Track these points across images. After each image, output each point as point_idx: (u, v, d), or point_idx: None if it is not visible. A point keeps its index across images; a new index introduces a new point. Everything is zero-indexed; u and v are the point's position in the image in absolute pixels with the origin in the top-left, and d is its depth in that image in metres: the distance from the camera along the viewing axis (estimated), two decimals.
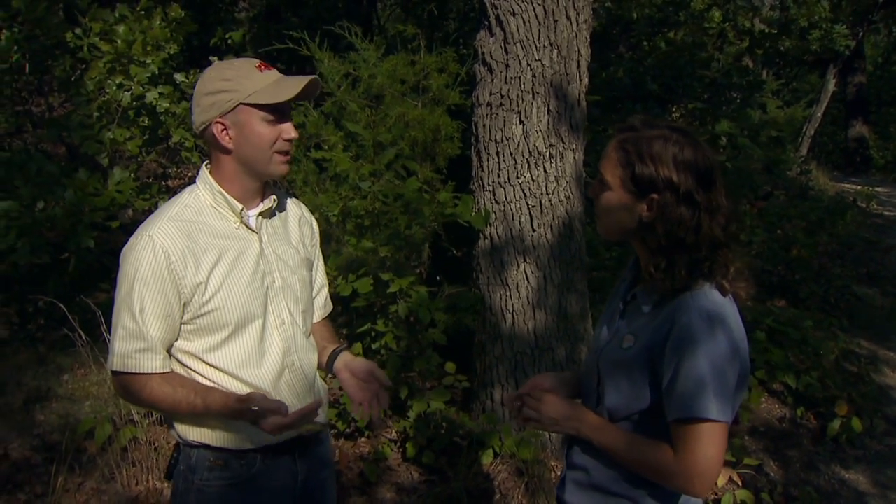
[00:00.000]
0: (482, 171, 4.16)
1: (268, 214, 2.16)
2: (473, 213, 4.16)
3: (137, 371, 1.98)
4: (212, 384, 2.05)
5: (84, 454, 3.97)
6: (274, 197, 2.16)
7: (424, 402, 4.08)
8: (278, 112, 2.00)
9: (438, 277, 4.92)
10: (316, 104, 4.70)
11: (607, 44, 10.07)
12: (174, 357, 2.07)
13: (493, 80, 4.03)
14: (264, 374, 2.09)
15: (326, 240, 4.47)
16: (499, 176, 4.08)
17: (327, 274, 3.99)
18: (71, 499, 3.71)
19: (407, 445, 4.11)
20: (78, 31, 4.89)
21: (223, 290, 2.01)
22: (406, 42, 5.08)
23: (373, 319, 4.10)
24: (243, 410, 1.95)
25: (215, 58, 5.34)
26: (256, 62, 2.04)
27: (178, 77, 4.88)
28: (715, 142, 5.36)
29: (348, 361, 2.30)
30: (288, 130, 2.04)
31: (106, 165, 4.32)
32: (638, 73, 7.54)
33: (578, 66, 4.00)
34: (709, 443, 1.72)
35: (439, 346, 4.18)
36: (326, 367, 2.32)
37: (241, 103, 1.97)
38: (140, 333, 1.96)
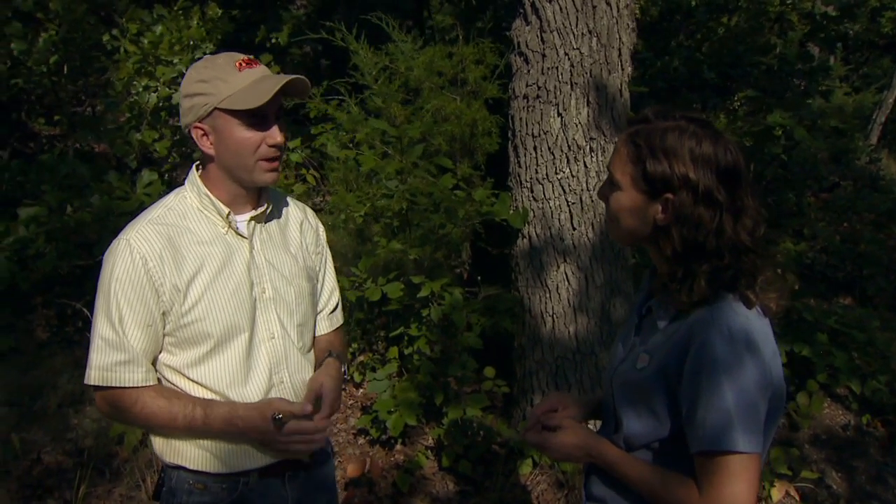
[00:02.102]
0: (519, 166, 3.96)
1: (261, 219, 2.00)
2: (511, 212, 3.97)
3: (121, 385, 1.84)
4: None
5: (115, 459, 3.92)
6: (268, 203, 2.01)
7: (460, 408, 3.91)
8: (258, 116, 1.83)
9: (480, 278, 4.75)
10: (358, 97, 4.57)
11: (667, 32, 9.73)
12: (158, 372, 1.93)
13: (529, 71, 3.83)
14: (250, 393, 1.94)
15: (361, 240, 4.34)
16: (536, 172, 3.87)
17: (357, 276, 3.88)
18: None
19: (442, 454, 3.95)
20: (115, 31, 4.85)
21: (205, 300, 1.86)
22: (444, 33, 4.91)
23: (406, 323, 3.94)
24: (260, 428, 1.84)
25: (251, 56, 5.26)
26: (238, 59, 1.86)
27: None
28: (769, 133, 5.04)
29: (317, 373, 2.09)
30: (272, 135, 1.86)
31: (134, 168, 4.26)
32: (695, 61, 7.22)
33: (620, 55, 3.77)
34: (738, 478, 1.50)
35: (477, 349, 4.01)
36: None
37: (216, 108, 1.81)
38: (120, 344, 1.83)
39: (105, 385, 1.85)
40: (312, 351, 2.16)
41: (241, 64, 1.85)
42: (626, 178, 1.66)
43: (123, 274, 1.82)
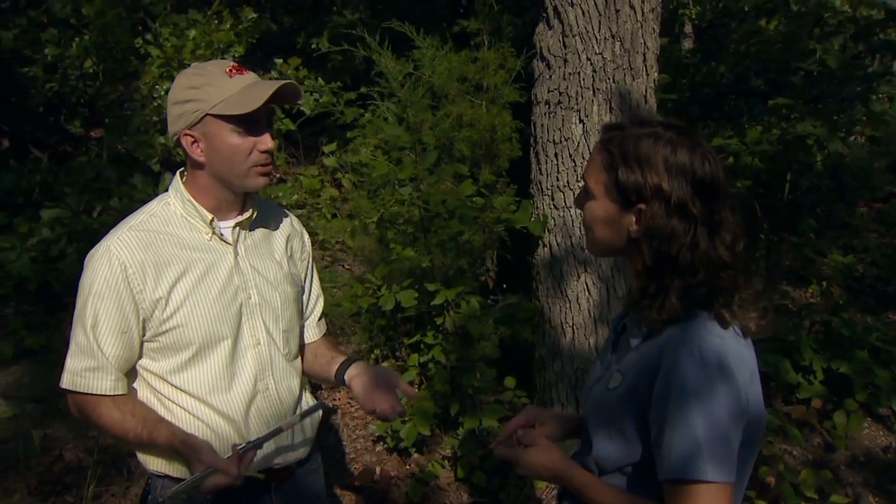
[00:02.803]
0: (540, 174, 3.88)
1: (246, 225, 1.99)
2: (532, 219, 3.89)
3: (86, 391, 1.85)
4: (178, 408, 1.90)
5: (133, 458, 3.96)
6: (253, 209, 1.99)
7: (476, 418, 3.85)
8: (250, 122, 1.82)
9: (505, 286, 4.68)
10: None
11: (720, 37, 9.52)
12: (142, 377, 1.93)
13: (550, 77, 3.75)
14: (233, 399, 1.92)
15: (383, 246, 4.31)
16: (557, 179, 3.79)
17: (371, 283, 3.85)
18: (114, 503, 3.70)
19: (458, 465, 3.89)
20: (149, 36, 4.92)
21: (186, 306, 1.85)
22: (469, 38, 4.86)
23: (423, 331, 3.90)
24: (187, 457, 1.81)
25: (280, 60, 5.29)
26: (228, 65, 1.86)
27: None
28: (802, 142, 4.86)
29: (364, 370, 2.09)
30: (264, 141, 1.85)
31: (157, 171, 4.31)
32: (742, 66, 7.02)
33: (644, 60, 3.67)
34: None
35: (497, 358, 3.94)
36: (336, 379, 2.12)
37: (207, 114, 1.80)
38: (90, 350, 1.83)
39: (72, 389, 1.87)
40: (299, 359, 2.14)
41: (231, 70, 1.85)
42: (599, 187, 1.59)
43: (102, 280, 1.82)
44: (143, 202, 2.01)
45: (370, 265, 4.48)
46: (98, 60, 4.66)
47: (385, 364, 4.57)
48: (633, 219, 1.54)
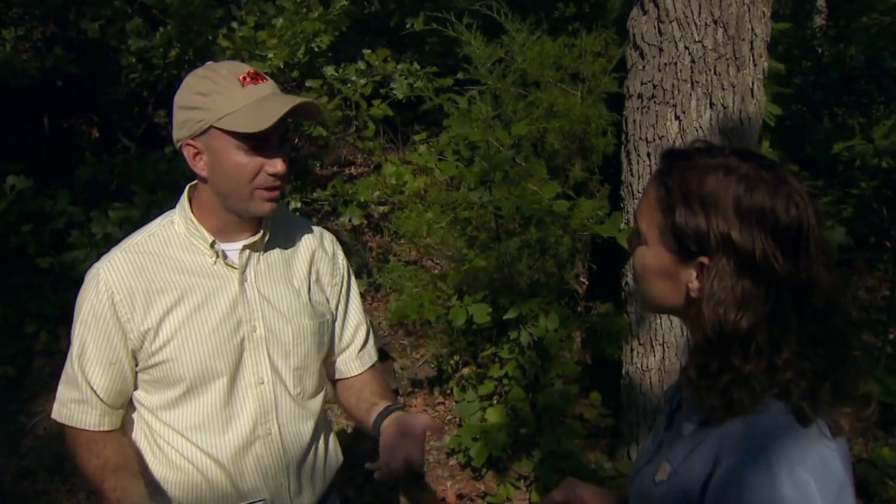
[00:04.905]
0: (632, 175, 3.51)
1: (258, 248, 1.76)
2: (622, 227, 3.52)
3: (71, 424, 1.70)
4: (169, 447, 1.72)
5: None
6: (266, 229, 1.76)
7: (554, 439, 3.54)
8: (259, 140, 1.59)
9: (597, 292, 4.33)
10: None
11: (854, 12, 8.72)
12: (137, 410, 1.75)
13: (644, 67, 3.37)
14: (228, 444, 1.71)
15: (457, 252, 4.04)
16: None
17: (443, 293, 3.59)
18: None
19: (532, 488, 3.61)
20: (234, 24, 4.79)
21: (177, 339, 1.65)
22: (566, 23, 4.50)
23: (498, 343, 3.61)
24: None
25: (368, 51, 5.07)
26: (242, 72, 1.62)
27: (328, 70, 4.65)
28: None
29: (394, 420, 1.80)
30: (273, 164, 1.61)
31: None
32: (876, 47, 6.34)
33: (752, 48, 3.22)
34: None
35: (580, 373, 3.62)
36: (374, 430, 1.83)
37: (212, 126, 1.58)
38: (76, 381, 1.68)
39: (59, 420, 1.73)
40: (318, 399, 1.90)
41: (244, 78, 1.61)
42: (652, 231, 1.25)
43: (88, 307, 1.66)
44: None
45: (455, 264, 4.23)
46: (181, 50, 4.56)
47: (465, 370, 4.32)
48: (694, 274, 1.20)
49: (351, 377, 2.00)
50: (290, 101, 1.60)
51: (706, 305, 1.17)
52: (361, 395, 1.94)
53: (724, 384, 1.17)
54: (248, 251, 1.74)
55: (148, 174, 3.77)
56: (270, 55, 4.20)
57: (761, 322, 1.14)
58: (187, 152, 1.65)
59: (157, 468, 1.75)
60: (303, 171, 5.79)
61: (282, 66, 4.23)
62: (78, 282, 1.71)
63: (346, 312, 1.98)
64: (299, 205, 4.79)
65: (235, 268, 1.72)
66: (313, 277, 1.87)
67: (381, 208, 5.34)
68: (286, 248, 1.84)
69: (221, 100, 1.58)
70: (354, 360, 2.00)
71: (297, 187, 5.02)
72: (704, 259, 1.17)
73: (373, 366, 2.05)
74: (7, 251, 4.36)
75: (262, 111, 1.57)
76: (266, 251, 1.79)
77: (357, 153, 6.96)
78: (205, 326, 1.67)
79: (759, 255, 1.13)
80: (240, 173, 1.61)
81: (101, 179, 4.01)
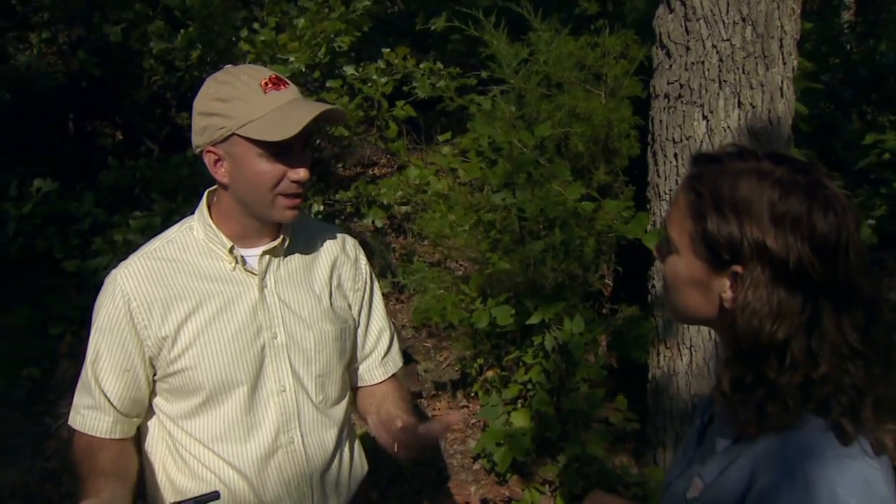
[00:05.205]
0: (658, 176, 3.45)
1: (278, 253, 1.73)
2: (648, 229, 3.47)
3: (83, 430, 1.68)
4: (190, 455, 1.69)
5: None
6: (286, 234, 1.73)
7: (579, 444, 3.50)
8: (282, 147, 1.56)
9: (622, 294, 4.28)
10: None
11: (883, 6, 8.57)
12: (157, 417, 1.73)
13: (670, 67, 3.31)
14: (249, 453, 1.68)
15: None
16: (677, 183, 3.35)
17: (466, 296, 3.55)
18: None
19: (557, 494, 3.56)
20: (255, 25, 4.78)
21: (196, 347, 1.62)
22: (589, 21, 4.43)
23: (522, 347, 3.57)
24: None
25: (387, 50, 5.04)
26: (264, 78, 1.59)
27: (348, 70, 4.62)
28: None
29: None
30: (296, 171, 1.59)
31: None
32: None
33: (781, 46, 3.16)
34: None
35: (605, 377, 3.57)
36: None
37: (234, 133, 1.55)
38: (90, 388, 1.67)
39: (74, 427, 1.71)
40: (341, 406, 1.87)
41: (266, 84, 1.58)
42: (683, 239, 1.20)
43: (105, 314, 1.65)
44: None
45: (478, 266, 4.19)
46: (203, 52, 4.56)
47: (490, 373, 4.28)
48: (727, 284, 1.15)
49: (373, 385, 1.97)
50: (315, 109, 1.57)
51: (740, 316, 1.12)
52: (382, 408, 1.89)
53: (759, 398, 1.12)
54: (267, 257, 1.71)
55: (170, 178, 3.76)
56: (292, 58, 4.18)
57: (798, 333, 1.10)
58: (208, 159, 1.62)
59: (179, 478, 1.72)
60: (325, 173, 5.78)
61: (303, 69, 4.20)
62: (100, 287, 1.70)
63: (368, 318, 1.94)
64: (322, 207, 4.77)
65: (255, 274, 1.69)
66: (335, 283, 1.84)
67: (404, 208, 5.31)
68: (307, 254, 1.81)
69: (243, 107, 1.55)
70: (378, 367, 1.97)
71: (320, 189, 5.00)
72: (738, 268, 1.13)
73: (395, 374, 2.02)
74: (33, 254, 4.38)
75: (286, 119, 1.54)
76: (286, 256, 1.76)
77: (380, 154, 6.94)
78: (224, 334, 1.65)
79: (795, 263, 1.08)
80: (262, 181, 1.59)
81: (124, 183, 4.01)
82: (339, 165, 6.13)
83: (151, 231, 3.66)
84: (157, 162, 4.25)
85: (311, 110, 1.56)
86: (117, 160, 4.10)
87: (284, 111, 1.56)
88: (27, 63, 5.07)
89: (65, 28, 5.82)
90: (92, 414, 1.68)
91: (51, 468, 3.92)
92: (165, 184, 3.82)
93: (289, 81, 1.66)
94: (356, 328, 1.90)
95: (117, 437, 1.69)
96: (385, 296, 5.31)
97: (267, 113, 1.55)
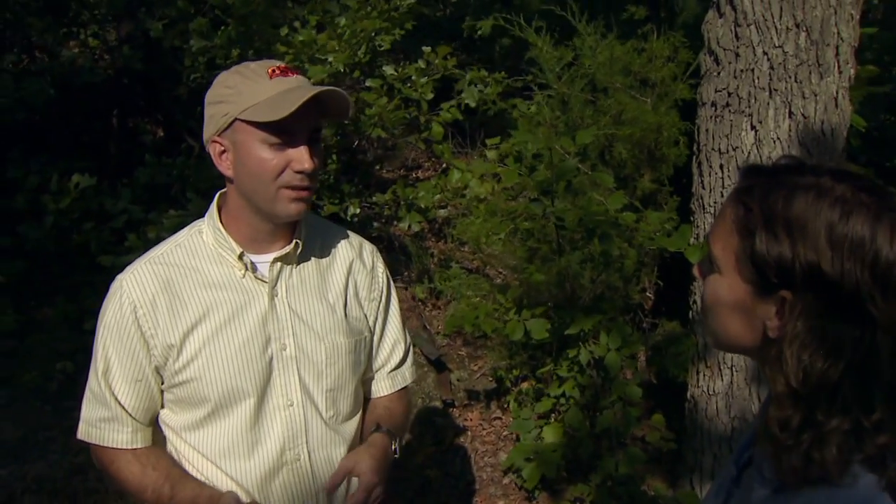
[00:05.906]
0: (703, 187, 3.31)
1: (290, 260, 1.65)
2: (692, 242, 3.32)
3: (101, 443, 1.61)
4: (193, 469, 1.62)
5: None
6: (299, 240, 1.65)
7: (612, 463, 3.37)
8: (286, 134, 1.49)
9: (663, 308, 4.14)
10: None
11: None
12: (163, 430, 1.66)
13: (719, 74, 3.17)
14: (253, 469, 1.60)
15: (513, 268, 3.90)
16: (722, 195, 3.21)
17: (501, 306, 3.44)
18: None
19: None
20: (297, 24, 4.74)
21: (202, 357, 1.55)
22: (636, 25, 4.31)
23: (557, 360, 3.45)
24: None
25: (427, 49, 4.96)
26: (273, 66, 1.53)
27: (387, 70, 4.55)
28: None
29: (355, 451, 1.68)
30: (300, 160, 1.50)
31: None
32: None
33: (837, 54, 3.00)
34: None
35: (645, 391, 3.44)
36: None
37: (237, 119, 1.49)
38: (104, 399, 1.58)
39: (88, 440, 1.64)
40: (353, 422, 1.78)
41: (273, 71, 1.52)
42: (727, 257, 1.08)
43: (112, 321, 1.58)
44: None
45: (516, 275, 4.09)
46: (242, 50, 4.53)
47: (524, 385, 4.16)
48: (773, 311, 1.03)
49: (376, 398, 1.88)
50: (314, 89, 1.49)
51: (788, 349, 1.00)
52: (370, 417, 1.82)
53: (807, 444, 0.99)
54: (279, 264, 1.64)
55: (207, 177, 3.72)
56: (331, 58, 4.12)
57: (850, 371, 0.97)
58: (213, 150, 1.56)
59: None
60: (366, 175, 5.72)
61: (343, 70, 4.14)
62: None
63: (383, 329, 1.86)
64: (358, 209, 4.70)
65: (265, 281, 1.62)
66: (350, 292, 1.76)
67: (442, 212, 5.21)
68: (321, 260, 1.73)
69: (247, 91, 1.50)
70: (385, 379, 1.88)
71: (358, 191, 4.94)
72: (786, 293, 1.00)
73: (403, 388, 1.92)
74: (70, 248, 4.38)
75: (284, 100, 1.47)
76: (299, 263, 1.68)
77: (424, 157, 6.86)
78: (231, 344, 1.58)
79: (852, 291, 0.96)
80: (264, 169, 1.51)
81: (161, 181, 3.99)
82: (377, 167, 6.06)
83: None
84: (195, 160, 4.22)
85: (310, 90, 1.49)
86: (156, 157, 4.08)
87: (285, 94, 1.49)
88: (72, 58, 5.09)
89: (113, 24, 5.86)
90: (109, 426, 1.60)
91: (78, 463, 3.90)
92: (202, 182, 3.78)
93: (298, 71, 1.60)
94: (372, 339, 1.82)
95: (139, 446, 1.62)
96: (421, 301, 5.27)
97: (269, 97, 1.49)
